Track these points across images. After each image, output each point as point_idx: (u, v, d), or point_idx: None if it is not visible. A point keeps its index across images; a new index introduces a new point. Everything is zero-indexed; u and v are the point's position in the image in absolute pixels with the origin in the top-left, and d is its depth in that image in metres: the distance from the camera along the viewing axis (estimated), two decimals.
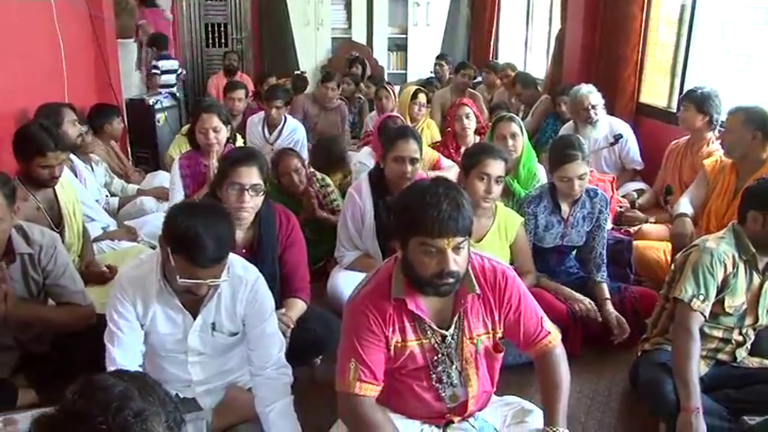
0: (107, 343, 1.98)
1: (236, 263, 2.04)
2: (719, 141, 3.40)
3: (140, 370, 1.99)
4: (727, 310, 2.33)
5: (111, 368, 1.91)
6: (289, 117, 5.10)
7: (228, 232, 1.91)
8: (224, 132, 3.55)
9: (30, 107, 3.86)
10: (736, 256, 2.32)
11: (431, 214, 1.66)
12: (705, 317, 2.29)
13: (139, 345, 2.02)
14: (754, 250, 2.31)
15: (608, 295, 2.99)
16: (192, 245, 1.80)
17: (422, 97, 4.94)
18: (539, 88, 5.90)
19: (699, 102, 3.64)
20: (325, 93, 5.72)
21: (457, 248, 1.71)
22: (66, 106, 3.86)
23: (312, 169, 4.16)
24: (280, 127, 4.97)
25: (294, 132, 4.96)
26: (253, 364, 2.09)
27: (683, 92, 4.44)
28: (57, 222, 2.98)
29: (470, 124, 4.22)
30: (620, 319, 2.89)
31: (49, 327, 2.43)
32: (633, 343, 2.70)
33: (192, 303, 2.02)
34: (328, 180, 4.10)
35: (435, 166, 3.99)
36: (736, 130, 3.16)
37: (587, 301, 2.93)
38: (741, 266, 2.33)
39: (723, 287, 2.31)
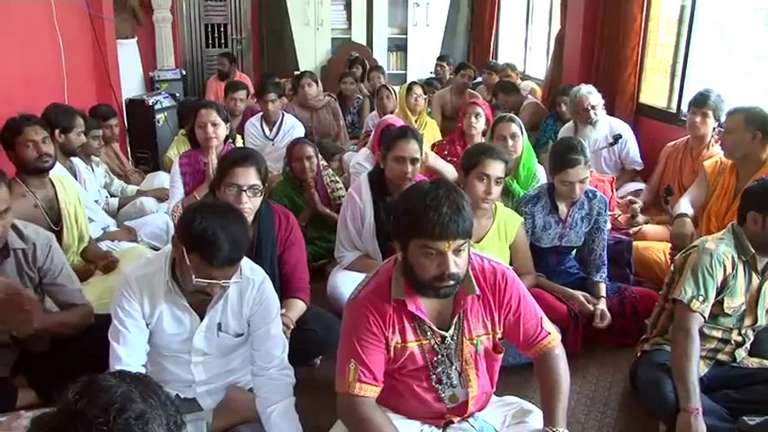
0: (112, 341, 1.97)
1: (244, 264, 2.04)
2: (720, 143, 3.40)
3: (144, 369, 2.00)
4: (726, 310, 2.33)
5: (115, 366, 1.91)
6: (286, 114, 5.10)
7: (244, 234, 1.91)
8: (223, 128, 3.57)
9: (29, 107, 3.84)
10: (736, 256, 2.32)
11: (431, 217, 1.66)
12: (704, 318, 2.29)
13: (144, 343, 2.02)
14: (753, 251, 2.31)
15: (603, 293, 2.99)
16: (208, 245, 1.80)
17: (417, 89, 5.02)
18: (520, 92, 5.92)
19: (715, 108, 3.63)
20: (304, 92, 5.60)
21: (457, 251, 1.71)
22: (80, 114, 3.83)
23: (325, 163, 4.18)
24: (278, 123, 4.96)
25: (293, 129, 4.97)
26: (256, 365, 2.09)
27: (682, 92, 4.47)
28: (55, 222, 2.98)
29: (477, 124, 4.20)
30: (605, 313, 2.90)
31: (62, 330, 2.41)
32: (633, 343, 2.70)
33: (199, 304, 2.02)
34: (338, 178, 4.14)
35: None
36: (737, 130, 3.16)
37: (579, 294, 2.94)
38: (740, 267, 2.33)
39: (722, 288, 2.31)
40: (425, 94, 5.21)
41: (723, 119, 3.63)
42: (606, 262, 3.10)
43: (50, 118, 3.54)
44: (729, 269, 2.31)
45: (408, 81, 5.55)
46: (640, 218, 3.85)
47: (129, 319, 1.98)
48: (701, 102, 3.70)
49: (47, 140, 2.99)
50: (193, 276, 1.83)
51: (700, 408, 2.13)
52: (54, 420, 1.07)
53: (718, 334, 2.40)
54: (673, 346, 2.34)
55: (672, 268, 2.51)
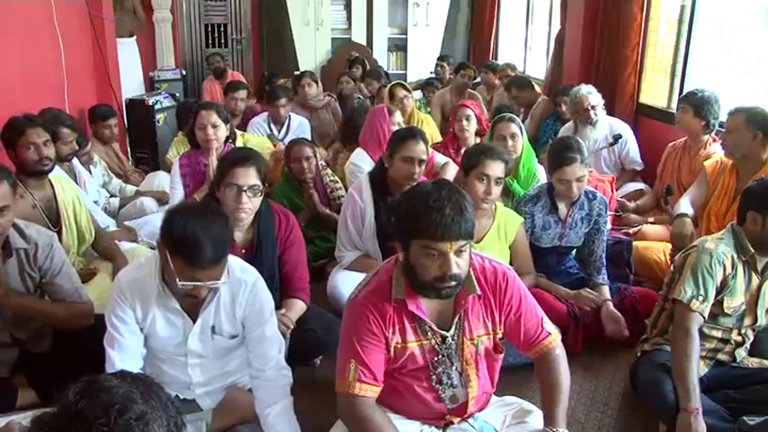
0: (107, 347, 1.97)
1: (235, 265, 2.03)
2: (721, 142, 3.40)
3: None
4: (726, 310, 2.33)
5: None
6: (292, 113, 5.12)
7: (226, 233, 1.89)
8: (223, 129, 3.56)
9: (29, 108, 3.84)
10: (735, 256, 2.32)
11: (434, 218, 1.67)
12: (704, 318, 2.29)
13: (140, 348, 2.02)
14: (753, 251, 2.31)
15: (608, 296, 2.99)
16: (189, 247, 1.78)
17: (399, 91, 5.06)
18: (536, 88, 5.88)
19: (697, 105, 3.64)
20: (303, 92, 5.59)
21: (459, 252, 1.71)
22: (68, 125, 3.76)
23: (323, 163, 4.18)
24: (286, 123, 4.99)
25: (301, 127, 5.01)
26: (252, 366, 2.09)
27: (682, 92, 4.46)
28: (54, 222, 2.98)
29: (470, 126, 4.22)
30: (616, 315, 2.89)
31: (44, 320, 2.43)
32: (633, 343, 2.70)
33: (192, 307, 2.00)
34: (337, 178, 4.14)
35: (428, 162, 3.97)
36: (738, 130, 3.15)
37: (583, 291, 2.94)
38: (740, 267, 2.33)
39: (722, 288, 2.31)
40: (410, 92, 5.22)
41: (714, 121, 3.64)
42: (605, 263, 3.10)
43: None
44: (729, 269, 2.31)
45: (408, 81, 5.55)
46: (634, 217, 3.87)
47: (123, 324, 1.97)
48: (684, 97, 3.82)
49: (48, 143, 2.98)
50: (178, 280, 1.82)
51: (700, 408, 2.13)
52: (54, 420, 1.06)
53: (718, 334, 2.40)
54: (672, 345, 2.34)
55: (671, 268, 2.51)
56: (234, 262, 2.02)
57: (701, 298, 2.27)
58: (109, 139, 4.69)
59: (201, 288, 1.86)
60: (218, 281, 1.88)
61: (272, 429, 2.01)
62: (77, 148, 3.83)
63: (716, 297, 2.31)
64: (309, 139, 4.76)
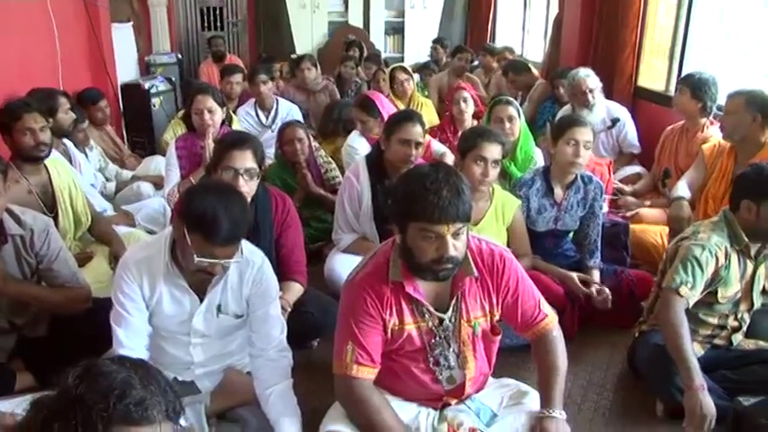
0: (113, 324, 1.99)
1: (244, 245, 2.04)
2: (719, 125, 3.39)
3: (147, 352, 2.01)
4: (720, 300, 2.33)
5: (117, 349, 1.94)
6: (280, 99, 5.04)
7: (245, 212, 1.93)
8: (219, 113, 3.52)
9: (23, 93, 3.82)
10: (729, 246, 2.30)
11: (431, 200, 1.66)
12: (689, 304, 2.26)
13: (146, 325, 2.03)
14: (746, 240, 2.29)
15: (597, 280, 2.99)
16: (209, 223, 1.81)
17: (400, 75, 5.05)
18: (533, 71, 5.85)
19: (694, 87, 3.63)
20: (303, 76, 5.56)
21: (456, 234, 1.71)
22: (61, 94, 3.79)
23: (317, 144, 4.17)
24: (274, 109, 4.88)
25: (290, 113, 4.89)
26: (254, 346, 2.11)
27: (681, 75, 4.44)
28: (50, 207, 2.97)
29: (468, 108, 4.21)
30: (603, 290, 2.87)
31: (42, 306, 2.43)
32: (629, 326, 2.71)
33: (199, 285, 2.03)
34: (331, 159, 4.13)
35: (426, 150, 3.96)
36: (737, 112, 3.14)
37: (575, 275, 2.94)
38: (734, 257, 2.31)
39: (714, 279, 2.29)
40: (411, 76, 5.20)
41: (711, 104, 3.62)
42: (599, 247, 3.10)
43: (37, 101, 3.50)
44: (722, 260, 2.28)
45: (407, 67, 5.51)
46: (631, 199, 3.88)
47: (130, 302, 1.99)
48: (682, 79, 3.83)
49: (45, 129, 2.96)
50: (195, 256, 1.84)
51: (704, 384, 2.11)
52: (54, 404, 1.07)
53: (714, 320, 2.40)
54: (662, 329, 2.30)
55: (665, 257, 2.49)
56: (243, 243, 2.03)
57: (689, 284, 2.24)
58: (102, 121, 4.66)
59: (216, 265, 1.89)
60: (233, 259, 1.91)
61: (274, 410, 2.03)
62: (75, 116, 3.80)
63: (709, 288, 2.30)
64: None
